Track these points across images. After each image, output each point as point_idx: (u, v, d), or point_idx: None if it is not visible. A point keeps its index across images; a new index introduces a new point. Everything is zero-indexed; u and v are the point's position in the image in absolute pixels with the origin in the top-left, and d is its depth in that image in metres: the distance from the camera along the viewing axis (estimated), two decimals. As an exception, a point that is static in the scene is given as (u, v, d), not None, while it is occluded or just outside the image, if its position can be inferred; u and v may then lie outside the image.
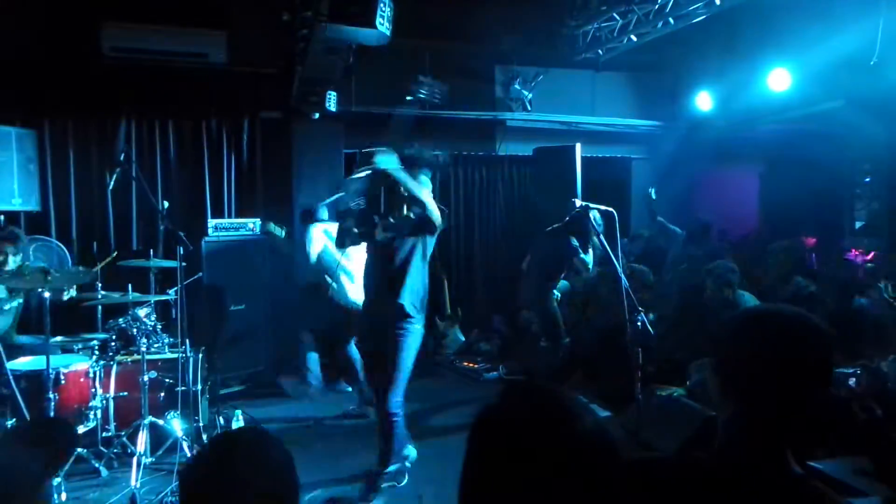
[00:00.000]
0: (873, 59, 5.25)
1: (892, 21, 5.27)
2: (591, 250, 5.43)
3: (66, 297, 4.65)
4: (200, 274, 5.85)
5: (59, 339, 4.62)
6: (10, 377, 3.91)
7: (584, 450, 1.07)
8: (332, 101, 6.37)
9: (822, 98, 7.04)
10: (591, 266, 4.96)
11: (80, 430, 4.17)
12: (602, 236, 4.28)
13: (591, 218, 4.51)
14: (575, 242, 5.39)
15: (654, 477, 1.31)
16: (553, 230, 5.62)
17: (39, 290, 3.97)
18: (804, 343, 1.28)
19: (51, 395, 3.93)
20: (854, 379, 3.93)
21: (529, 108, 8.14)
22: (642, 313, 4.05)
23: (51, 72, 6.05)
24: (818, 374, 1.28)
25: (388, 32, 3.56)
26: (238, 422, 4.87)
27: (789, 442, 1.28)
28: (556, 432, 1.07)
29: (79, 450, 4.02)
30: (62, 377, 4.13)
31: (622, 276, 4.28)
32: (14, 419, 3.92)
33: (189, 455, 4.13)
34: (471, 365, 6.81)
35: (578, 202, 4.29)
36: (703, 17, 6.04)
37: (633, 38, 6.84)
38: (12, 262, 4.68)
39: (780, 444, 1.27)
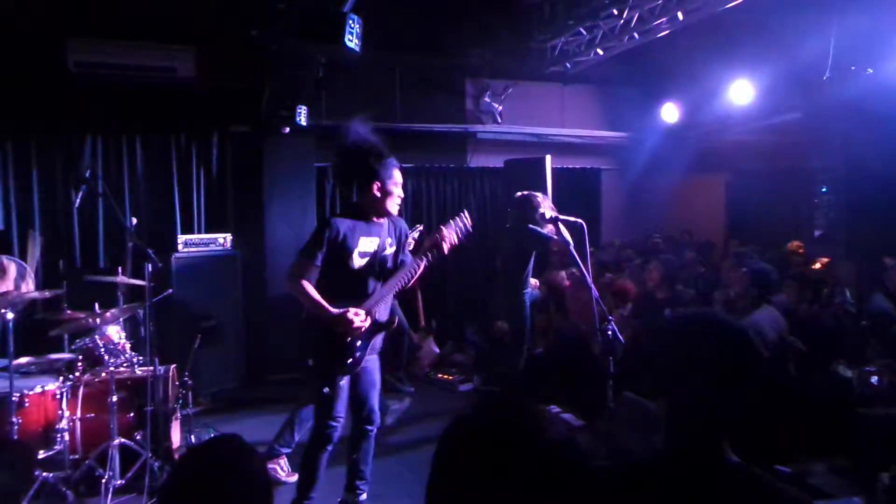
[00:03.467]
0: (826, 74, 5.44)
1: (842, 39, 5.47)
2: (561, 229, 5.29)
3: None
4: (170, 291, 5.77)
5: (24, 360, 4.51)
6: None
7: (551, 462, 1.09)
8: (302, 116, 6.37)
9: (781, 110, 7.26)
10: (569, 240, 4.88)
11: (46, 453, 4.06)
12: (572, 247, 4.32)
13: (560, 231, 4.57)
14: (543, 232, 5.30)
15: (603, 487, 1.35)
16: (513, 227, 5.58)
17: (2, 309, 3.87)
18: (721, 344, 1.38)
19: (14, 419, 3.83)
20: (876, 377, 4.03)
21: (500, 120, 8.23)
22: (612, 322, 4.10)
23: (14, 88, 5.95)
24: (738, 373, 1.37)
25: (357, 49, 3.58)
26: (210, 440, 4.80)
27: (723, 434, 1.37)
28: (522, 445, 1.09)
29: (45, 474, 3.92)
30: (26, 400, 4.03)
31: (591, 286, 4.33)
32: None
33: (164, 472, 4.07)
34: (446, 377, 6.81)
35: (548, 214, 4.35)
36: (667, 31, 6.20)
37: (600, 51, 6.99)
38: None
39: (711, 437, 1.36)
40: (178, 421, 4.86)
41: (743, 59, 7.09)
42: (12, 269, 5.02)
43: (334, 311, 3.26)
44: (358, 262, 3.38)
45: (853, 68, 5.24)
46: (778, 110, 7.23)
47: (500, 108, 8.18)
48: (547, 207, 5.00)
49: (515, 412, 1.16)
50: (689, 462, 1.36)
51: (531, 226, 5.23)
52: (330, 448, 3.50)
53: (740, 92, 7.29)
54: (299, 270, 3.31)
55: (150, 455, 4.16)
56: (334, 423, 3.45)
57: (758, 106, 7.29)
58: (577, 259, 4.26)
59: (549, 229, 5.05)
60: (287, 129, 6.70)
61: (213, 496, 1.28)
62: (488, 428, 1.13)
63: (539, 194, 5.30)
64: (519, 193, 5.36)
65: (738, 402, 1.37)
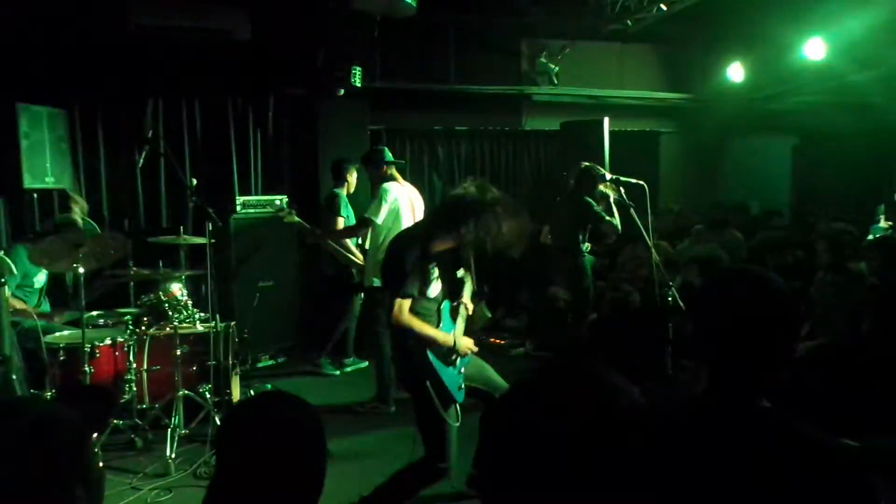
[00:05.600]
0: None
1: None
2: (615, 213, 5.29)
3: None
4: (229, 251, 5.90)
5: (94, 313, 4.71)
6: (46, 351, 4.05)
7: (623, 431, 1.03)
8: (357, 77, 6.33)
9: (858, 68, 6.83)
10: (618, 227, 4.87)
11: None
12: (633, 210, 4.22)
13: (621, 193, 4.47)
14: (597, 207, 5.28)
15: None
16: (566, 198, 5.52)
17: (75, 266, 4.02)
18: (763, 300, 1.41)
19: (87, 368, 4.02)
20: None
21: (556, 81, 8.01)
22: (672, 288, 4.00)
23: (79, 50, 6.09)
24: (778, 328, 1.41)
25: (414, 4, 3.50)
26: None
27: (761, 385, 1.41)
28: (593, 410, 1.03)
29: (115, 421, 4.11)
30: (97, 351, 4.22)
31: (652, 250, 4.22)
32: (52, 391, 4.03)
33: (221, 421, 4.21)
34: (497, 341, 6.81)
35: (609, 175, 4.24)
36: (737, -16, 5.87)
37: (663, 7, 6.69)
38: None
39: (749, 387, 1.40)
40: (238, 376, 5.01)
41: (815, 15, 6.67)
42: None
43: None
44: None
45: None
46: (854, 69, 6.80)
47: (557, 68, 7.96)
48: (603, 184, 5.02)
49: (582, 376, 1.10)
50: (722, 407, 1.40)
51: (587, 198, 5.17)
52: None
53: (813, 50, 6.88)
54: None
55: (213, 407, 4.31)
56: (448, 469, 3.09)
57: (832, 64, 6.88)
58: (639, 222, 4.16)
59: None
60: (342, 91, 6.69)
61: (262, 446, 1.29)
62: (554, 394, 1.07)
63: (601, 168, 5.23)
64: (584, 163, 5.29)
65: (773, 356, 1.40)
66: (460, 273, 3.39)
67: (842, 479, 1.29)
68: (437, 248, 3.08)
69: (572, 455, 1.00)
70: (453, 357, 3.12)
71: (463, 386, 3.22)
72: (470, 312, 3.42)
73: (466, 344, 3.19)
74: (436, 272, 3.14)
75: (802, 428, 1.36)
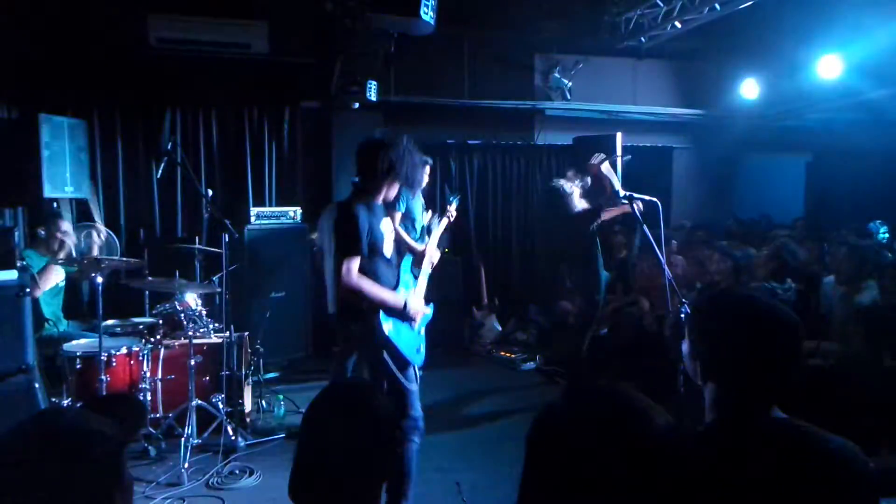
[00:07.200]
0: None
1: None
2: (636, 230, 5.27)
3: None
4: (242, 263, 5.95)
5: (110, 322, 4.76)
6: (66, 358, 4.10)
7: (658, 454, 1.03)
8: (372, 91, 6.40)
9: (873, 86, 6.83)
10: (636, 243, 4.85)
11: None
12: (646, 227, 4.22)
13: (635, 209, 4.46)
14: (592, 226, 5.25)
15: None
16: (566, 217, 5.48)
17: (93, 274, 4.09)
18: (771, 328, 1.40)
19: (103, 377, 4.06)
20: None
21: (569, 96, 8.05)
22: (686, 304, 3.98)
23: (100, 63, 6.20)
24: (787, 355, 1.41)
25: (432, 21, 3.56)
26: (281, 407, 4.97)
27: (769, 403, 1.41)
28: (628, 436, 1.03)
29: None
30: (113, 360, 4.27)
31: (665, 266, 4.21)
32: (70, 399, 4.08)
33: (237, 434, 4.25)
34: (508, 354, 6.81)
35: (621, 192, 4.25)
36: (751, 2, 5.89)
37: (678, 24, 6.71)
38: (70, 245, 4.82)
39: (761, 406, 1.40)
40: (250, 387, 5.04)
41: (830, 32, 6.68)
42: (99, 237, 5.32)
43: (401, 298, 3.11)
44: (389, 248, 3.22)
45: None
46: (870, 86, 6.80)
47: (570, 84, 8.00)
48: (579, 187, 5.07)
49: (617, 400, 1.10)
50: (736, 425, 1.40)
51: (575, 213, 5.19)
52: (419, 440, 3.19)
53: (828, 67, 6.88)
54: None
55: (226, 417, 4.34)
56: (418, 418, 3.18)
57: (846, 82, 6.87)
58: (651, 238, 4.15)
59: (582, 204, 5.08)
60: (356, 105, 6.76)
61: (349, 425, 1.39)
62: (589, 417, 1.08)
63: (562, 181, 5.26)
64: (549, 185, 5.37)
65: (780, 378, 1.40)
66: (426, 219, 3.73)
67: (868, 479, 1.30)
68: (377, 198, 3.15)
69: (612, 479, 1.00)
70: (408, 318, 3.13)
71: (422, 348, 3.27)
72: (431, 266, 3.54)
73: (418, 304, 3.20)
74: (388, 227, 3.18)
75: (822, 434, 1.36)
